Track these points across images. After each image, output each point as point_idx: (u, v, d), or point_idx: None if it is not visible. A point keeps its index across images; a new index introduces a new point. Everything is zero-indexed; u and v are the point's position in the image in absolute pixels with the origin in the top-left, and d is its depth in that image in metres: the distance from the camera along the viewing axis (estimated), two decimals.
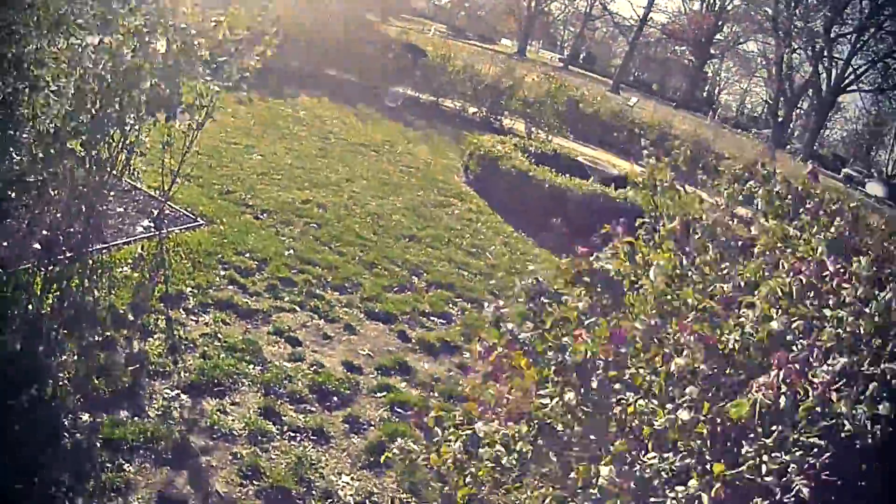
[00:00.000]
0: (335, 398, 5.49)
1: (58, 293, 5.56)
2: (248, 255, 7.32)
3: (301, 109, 15.48)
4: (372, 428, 5.30)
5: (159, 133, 6.94)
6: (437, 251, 9.29)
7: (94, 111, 5.65)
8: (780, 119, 53.69)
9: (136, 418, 4.60)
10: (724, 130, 38.68)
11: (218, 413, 4.89)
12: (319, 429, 5.09)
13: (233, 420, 4.89)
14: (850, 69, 53.57)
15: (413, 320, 7.16)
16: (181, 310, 5.98)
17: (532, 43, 71.76)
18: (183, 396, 4.97)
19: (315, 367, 5.76)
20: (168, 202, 7.66)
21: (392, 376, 6.05)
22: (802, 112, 60.10)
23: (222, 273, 6.77)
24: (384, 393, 5.74)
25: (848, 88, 54.63)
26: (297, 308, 6.61)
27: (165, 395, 4.91)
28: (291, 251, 7.75)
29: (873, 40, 52.82)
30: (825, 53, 52.35)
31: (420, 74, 21.75)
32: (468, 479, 3.38)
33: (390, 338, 6.70)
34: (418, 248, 9.17)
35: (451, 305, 7.82)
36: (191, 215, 7.86)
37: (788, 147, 51.13)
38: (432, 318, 7.37)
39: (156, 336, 5.51)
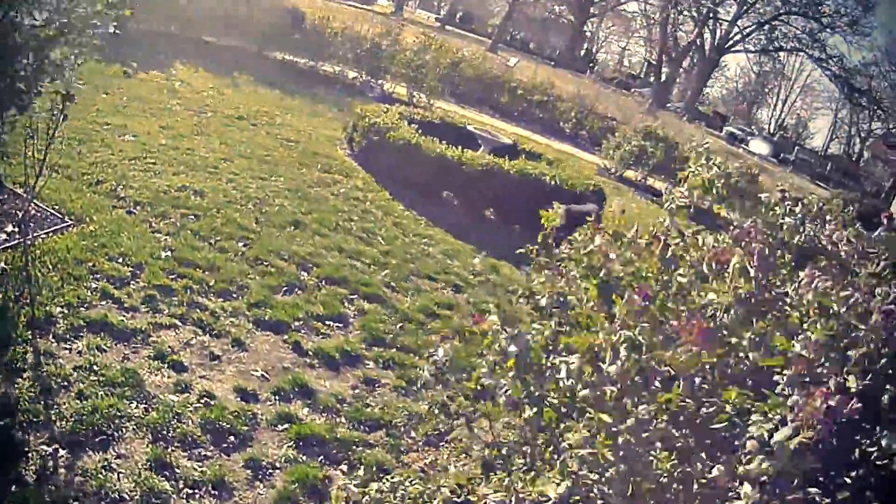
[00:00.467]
0: (232, 437, 4.91)
1: None
2: (121, 260, 6.57)
3: (176, 81, 14.51)
4: (278, 472, 4.77)
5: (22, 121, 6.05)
6: (326, 238, 8.77)
7: None
8: (662, 78, 54.57)
9: (14, 487, 3.91)
10: (607, 91, 39.05)
11: (103, 471, 4.22)
12: (220, 479, 4.50)
13: (120, 478, 4.23)
14: (737, 29, 54.99)
15: (307, 327, 6.64)
16: (51, 337, 5.20)
17: (409, 3, 70.88)
18: (62, 452, 4.25)
19: (205, 398, 5.15)
20: (34, 200, 6.84)
21: (292, 401, 5.52)
22: (682, 71, 61.29)
23: (94, 285, 6.02)
24: (286, 425, 5.20)
25: (733, 49, 56.09)
26: (179, 323, 5.96)
27: (42, 453, 4.20)
28: (169, 252, 7.04)
29: (760, 3, 54.31)
30: (711, 15, 53.43)
31: (299, 38, 20.95)
32: None
33: (284, 351, 6.16)
34: (305, 236, 8.62)
35: (346, 305, 7.34)
36: (59, 214, 7.03)
37: (669, 105, 52.06)
38: (328, 322, 6.86)
39: (25, 375, 4.73)
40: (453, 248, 10.04)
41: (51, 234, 6.64)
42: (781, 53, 62.89)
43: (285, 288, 7.23)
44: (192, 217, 8.10)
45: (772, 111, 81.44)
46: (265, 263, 7.57)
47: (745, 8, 54.05)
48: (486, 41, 53.99)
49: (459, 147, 12.22)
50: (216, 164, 10.14)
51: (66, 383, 4.81)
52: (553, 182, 11.82)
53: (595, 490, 2.59)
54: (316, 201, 10.00)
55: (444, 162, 11.65)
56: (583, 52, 70.41)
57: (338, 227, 9.29)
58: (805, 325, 2.62)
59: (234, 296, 6.75)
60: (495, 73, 28.16)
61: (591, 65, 65.89)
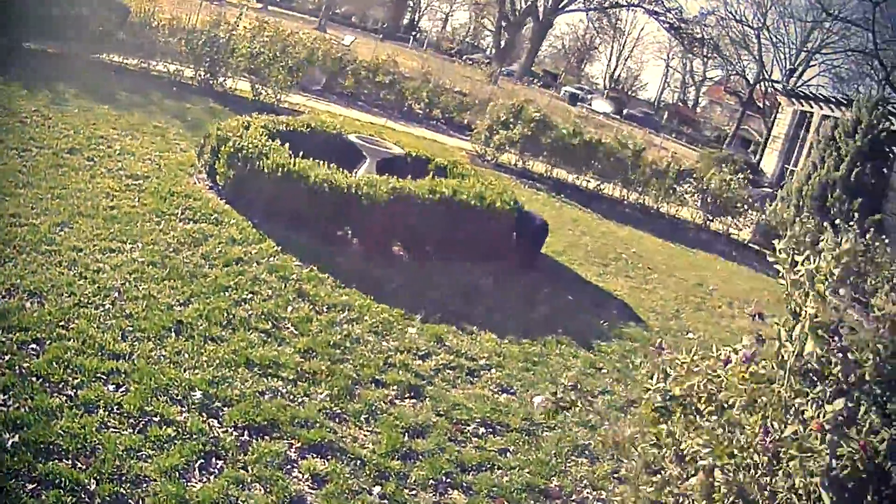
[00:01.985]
0: None
1: None
2: None
3: None
4: None
5: None
6: (223, 345, 6.20)
7: None
8: (502, 45, 52.93)
9: None
10: (451, 64, 36.97)
11: None
12: None
13: None
14: None
15: None
16: None
17: None
18: None
19: None
20: None
21: None
22: (504, 31, 60.04)
23: None
24: None
25: (567, 9, 55.26)
26: None
27: None
28: None
29: None
30: None
31: (126, 37, 17.65)
32: None
33: None
34: (194, 347, 6.01)
35: (293, 473, 4.90)
36: None
37: (503, 70, 50.62)
38: None
39: None
40: (380, 318, 7.69)
41: None
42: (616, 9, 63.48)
43: (198, 462, 4.70)
44: (26, 349, 5.31)
45: (606, 65, 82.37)
46: (154, 418, 4.97)
47: None
48: (311, 19, 51.01)
49: (334, 165, 9.84)
50: (50, 237, 7.20)
51: None
52: (476, 204, 9.64)
53: None
54: (192, 278, 7.31)
55: (337, 194, 9.19)
56: (405, 22, 68.33)
57: (232, 319, 6.71)
58: None
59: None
60: (335, 56, 25.31)
61: (413, 34, 63.69)
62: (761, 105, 59.17)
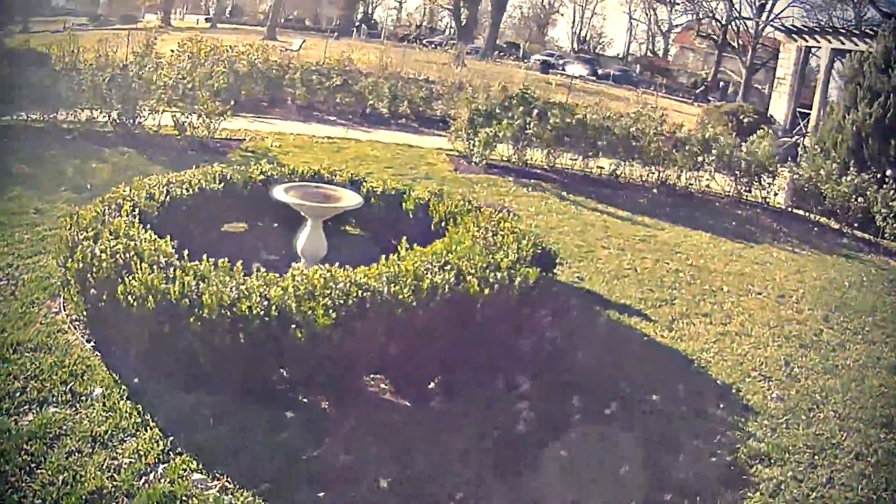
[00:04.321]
0: None
1: None
2: None
3: None
4: None
5: None
6: None
7: None
8: (463, 22, 48.47)
9: None
10: (412, 51, 32.80)
11: None
12: None
13: None
14: None
15: None
16: None
17: (178, 11, 63.06)
18: None
19: None
20: None
21: None
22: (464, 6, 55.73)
23: None
24: None
25: None
26: None
27: None
28: None
29: None
30: None
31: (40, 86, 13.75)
32: None
33: None
34: None
35: None
36: None
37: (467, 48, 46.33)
38: None
39: None
40: None
41: None
42: None
43: None
44: None
45: (570, 26, 78.55)
46: None
47: None
48: (261, 30, 47.05)
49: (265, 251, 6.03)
50: None
51: None
52: (488, 291, 5.62)
53: None
54: None
55: (250, 329, 5.11)
56: (360, 16, 63.77)
57: None
58: None
59: None
60: (276, 63, 21.06)
61: (357, 25, 58.99)
62: (736, 45, 55.17)
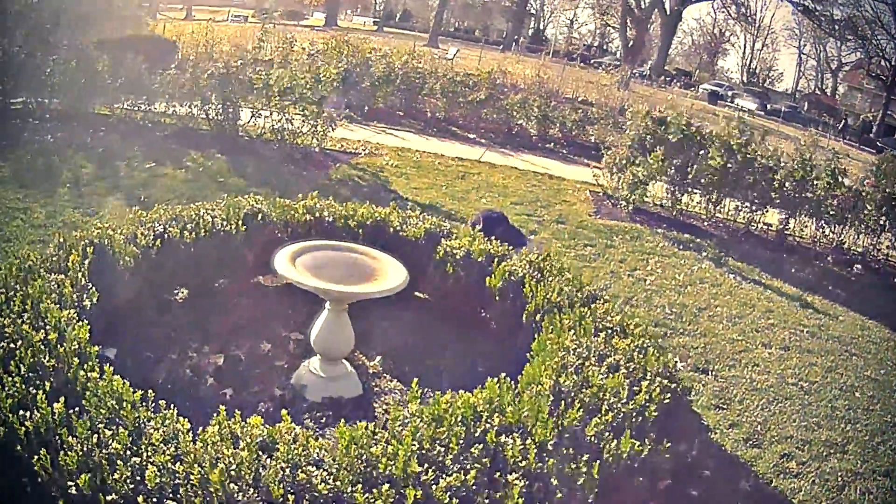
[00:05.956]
0: None
1: None
2: None
3: None
4: None
5: None
6: None
7: None
8: (630, 43, 45.17)
9: None
10: (572, 68, 30.13)
11: None
12: None
13: None
14: None
15: None
16: None
17: (347, 12, 63.03)
18: None
19: None
20: None
21: None
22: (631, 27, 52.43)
23: None
24: None
25: (694, 1, 47.57)
26: None
27: None
28: None
29: None
30: None
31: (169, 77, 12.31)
32: None
33: None
34: None
35: None
36: None
37: (633, 72, 42.96)
38: None
39: None
40: None
41: None
42: None
43: None
44: None
45: (741, 58, 73.75)
46: None
47: None
48: (424, 35, 45.65)
49: None
50: None
51: None
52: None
53: None
54: None
55: None
56: (531, 31, 61.41)
57: None
58: None
59: None
60: (417, 71, 18.60)
61: (515, 38, 56.29)
62: None
